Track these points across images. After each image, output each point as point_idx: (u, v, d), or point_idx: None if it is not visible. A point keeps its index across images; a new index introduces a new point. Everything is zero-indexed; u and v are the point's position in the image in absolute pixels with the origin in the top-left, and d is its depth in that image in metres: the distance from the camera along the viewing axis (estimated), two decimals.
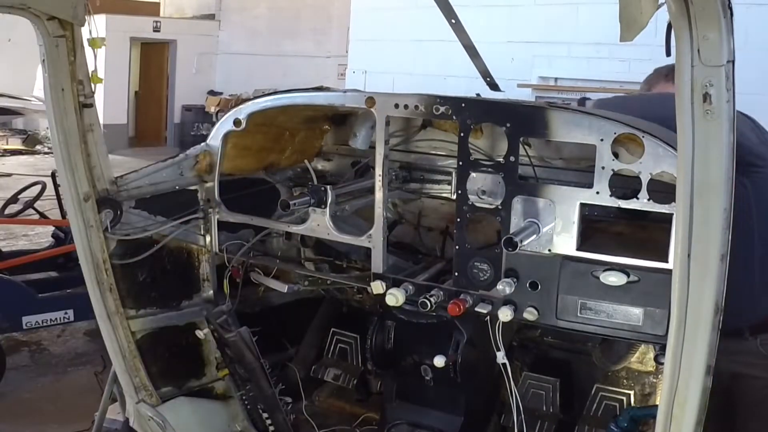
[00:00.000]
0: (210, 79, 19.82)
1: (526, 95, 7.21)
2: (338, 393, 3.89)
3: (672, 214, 2.35)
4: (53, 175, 6.43)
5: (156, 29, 19.14)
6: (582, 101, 3.58)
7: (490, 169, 2.82)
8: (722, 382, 2.64)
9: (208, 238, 3.54)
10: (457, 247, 2.92)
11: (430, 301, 2.84)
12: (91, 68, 3.09)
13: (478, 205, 2.84)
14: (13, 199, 7.58)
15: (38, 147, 17.81)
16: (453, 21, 3.36)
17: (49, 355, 6.68)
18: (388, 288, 2.99)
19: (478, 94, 3.29)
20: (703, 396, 2.19)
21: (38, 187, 7.34)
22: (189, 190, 3.49)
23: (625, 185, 2.64)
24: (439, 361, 3.03)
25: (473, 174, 2.83)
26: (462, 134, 2.82)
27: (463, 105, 2.79)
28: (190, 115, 19.15)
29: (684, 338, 2.17)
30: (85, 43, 3.06)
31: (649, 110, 2.88)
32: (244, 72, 17.20)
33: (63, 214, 6.70)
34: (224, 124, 3.43)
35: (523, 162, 2.78)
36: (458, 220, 2.90)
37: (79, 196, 3.15)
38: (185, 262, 3.56)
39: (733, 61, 1.94)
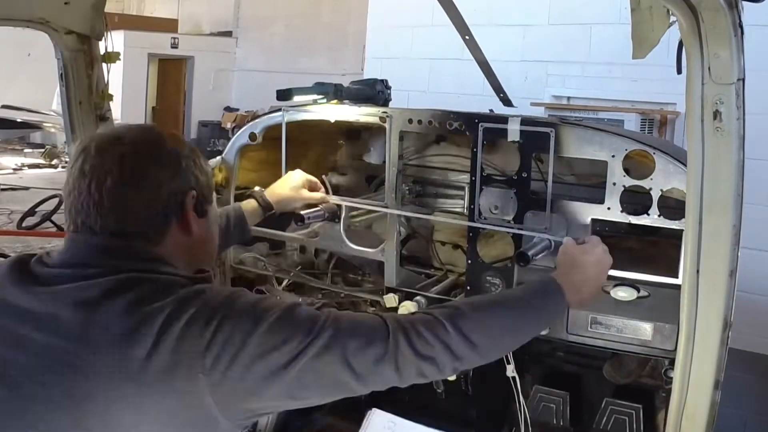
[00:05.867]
0: (226, 96, 19.93)
1: (539, 113, 7.22)
2: (351, 405, 3.89)
3: (682, 230, 2.37)
4: None
5: (174, 46, 19.29)
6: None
7: (502, 185, 2.85)
8: None
9: (222, 252, 3.57)
10: (469, 261, 2.95)
11: None
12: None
13: (490, 220, 2.87)
14: (31, 212, 7.68)
15: (56, 161, 17.94)
16: (467, 37, 3.40)
17: None
18: (401, 301, 3.02)
19: (491, 110, 3.32)
20: (711, 410, 2.20)
21: (55, 201, 7.43)
22: None
23: (635, 201, 2.66)
24: None
25: (486, 189, 2.86)
26: (475, 149, 2.86)
27: (476, 120, 2.83)
28: (206, 130, 19.22)
29: (693, 353, 2.19)
30: None
31: None
32: (261, 88, 17.24)
33: None
34: (240, 138, 3.48)
35: (536, 178, 2.81)
36: (470, 234, 2.93)
37: None
38: None
39: (744, 79, 1.96)
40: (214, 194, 1.80)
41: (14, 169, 17.29)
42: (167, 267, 1.59)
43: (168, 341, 1.43)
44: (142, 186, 1.57)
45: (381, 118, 3.04)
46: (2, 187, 14.04)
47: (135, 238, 1.57)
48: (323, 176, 3.42)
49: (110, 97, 3.17)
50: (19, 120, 15.98)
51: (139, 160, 1.58)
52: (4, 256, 6.74)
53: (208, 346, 1.45)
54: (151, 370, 1.42)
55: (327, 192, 3.28)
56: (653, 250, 2.88)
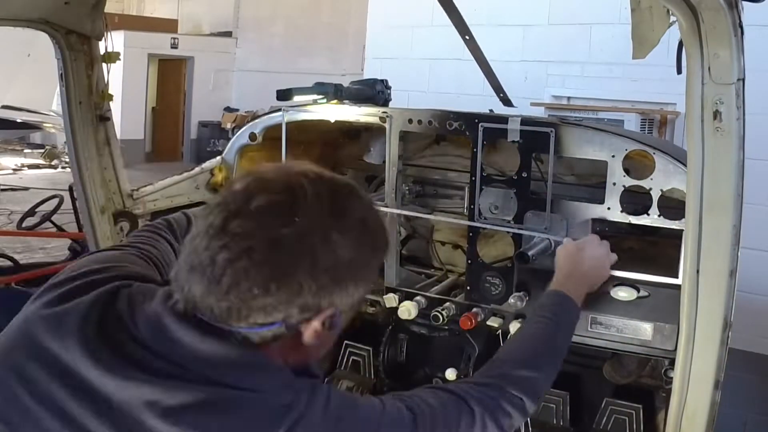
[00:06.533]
0: (226, 96, 19.94)
1: (539, 114, 7.22)
2: None
3: (682, 230, 2.37)
4: (71, 189, 6.51)
5: (174, 46, 19.29)
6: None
7: (502, 185, 2.85)
8: None
9: None
10: (469, 261, 2.95)
11: (442, 315, 2.87)
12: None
13: (490, 220, 2.87)
14: (31, 213, 7.67)
15: (56, 161, 17.95)
16: (467, 37, 3.40)
17: None
18: (401, 301, 3.02)
19: (491, 110, 3.32)
20: (711, 410, 2.21)
21: (55, 201, 7.42)
22: (204, 204, 3.52)
23: (635, 201, 2.66)
24: (450, 374, 3.04)
25: (486, 189, 2.86)
26: (474, 149, 2.86)
27: (476, 120, 2.83)
28: (206, 131, 19.24)
29: (693, 353, 2.19)
30: None
31: None
32: (260, 89, 17.26)
33: (80, 228, 6.76)
34: (240, 138, 3.48)
35: (535, 177, 2.81)
36: (470, 234, 2.93)
37: (96, 209, 3.19)
38: None
39: (744, 79, 1.96)
40: None
41: (14, 170, 17.31)
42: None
43: None
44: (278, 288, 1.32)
45: (381, 118, 3.04)
46: (2, 187, 14.04)
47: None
48: None
49: (110, 97, 3.17)
50: (19, 120, 15.98)
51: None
52: (4, 256, 6.75)
53: None
54: None
55: None
56: (653, 250, 2.88)
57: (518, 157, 2.80)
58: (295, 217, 1.27)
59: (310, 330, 1.34)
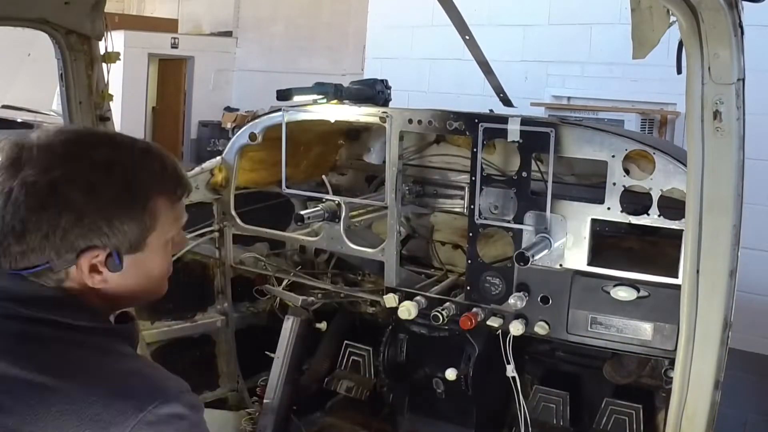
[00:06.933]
0: (227, 96, 19.91)
1: (539, 114, 7.21)
2: (351, 405, 3.91)
3: (682, 230, 2.37)
4: None
5: (174, 46, 19.26)
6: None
7: (502, 185, 2.85)
8: None
9: (223, 251, 3.58)
10: (469, 261, 2.95)
11: (442, 315, 2.87)
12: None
13: (490, 220, 2.88)
14: None
15: None
16: (467, 37, 3.40)
17: None
18: (401, 301, 3.02)
19: (491, 110, 3.32)
20: (711, 410, 2.20)
21: None
22: (204, 204, 3.53)
23: (635, 201, 2.66)
24: (450, 374, 3.04)
25: (486, 189, 2.87)
26: (474, 149, 2.86)
27: (476, 120, 2.83)
28: (206, 131, 19.20)
29: (693, 353, 2.19)
30: None
31: None
32: (261, 89, 17.22)
33: None
34: (239, 139, 3.48)
35: (535, 177, 2.81)
36: (470, 234, 2.93)
37: None
38: (200, 275, 3.60)
39: (744, 79, 1.96)
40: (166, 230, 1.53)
41: None
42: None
43: None
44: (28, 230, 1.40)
45: (381, 118, 3.04)
46: None
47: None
48: (323, 176, 3.42)
49: (110, 97, 3.16)
50: (19, 120, 15.96)
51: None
52: None
53: None
54: None
55: (327, 192, 3.28)
56: (653, 250, 2.88)
57: (518, 157, 2.80)
58: (20, 170, 1.35)
59: (85, 271, 1.39)
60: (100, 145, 1.44)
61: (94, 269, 1.40)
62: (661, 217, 2.60)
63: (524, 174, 2.78)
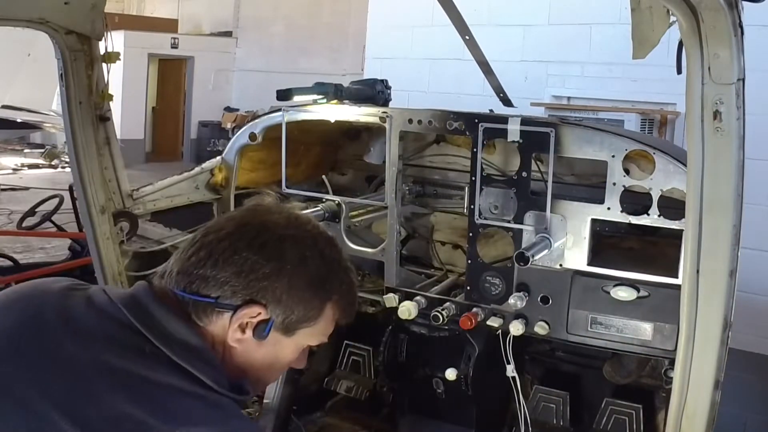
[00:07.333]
0: (226, 96, 19.94)
1: (539, 114, 7.21)
2: (351, 405, 3.91)
3: (682, 230, 2.37)
4: (71, 189, 6.51)
5: (174, 46, 19.29)
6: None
7: (502, 185, 2.85)
8: None
9: None
10: (469, 261, 2.95)
11: (442, 315, 2.87)
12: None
13: (490, 220, 2.87)
14: (31, 213, 7.68)
15: (56, 161, 17.94)
16: (467, 37, 3.40)
17: None
18: (401, 301, 3.02)
19: (491, 110, 3.32)
20: (711, 410, 2.21)
21: (56, 201, 7.43)
22: (204, 204, 3.53)
23: (635, 201, 2.66)
24: (450, 374, 3.04)
25: (486, 189, 2.86)
26: (474, 149, 2.86)
27: (476, 120, 2.83)
28: (206, 131, 19.24)
29: (693, 353, 2.19)
30: None
31: None
32: (261, 88, 17.25)
33: (80, 228, 6.77)
34: (239, 139, 3.48)
35: (535, 177, 2.81)
36: (470, 234, 2.93)
37: (96, 208, 3.19)
38: None
39: (744, 79, 1.96)
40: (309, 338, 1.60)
41: (14, 170, 17.30)
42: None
43: None
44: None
45: (381, 118, 3.04)
46: (2, 187, 14.04)
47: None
48: (323, 176, 3.42)
49: (110, 97, 3.16)
50: (19, 120, 15.97)
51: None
52: (4, 256, 6.76)
53: None
54: None
55: (327, 192, 3.28)
56: (653, 250, 2.88)
57: (518, 157, 2.80)
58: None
59: (235, 324, 1.47)
60: (323, 239, 1.59)
61: (242, 327, 1.48)
62: (661, 217, 2.60)
63: (524, 174, 2.78)
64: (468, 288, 2.95)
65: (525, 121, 2.77)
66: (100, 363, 1.36)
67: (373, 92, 3.40)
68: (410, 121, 2.99)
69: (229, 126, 17.47)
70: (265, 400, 3.53)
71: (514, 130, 2.76)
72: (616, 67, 7.39)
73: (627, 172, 2.64)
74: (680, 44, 2.03)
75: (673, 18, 2.03)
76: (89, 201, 3.17)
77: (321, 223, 3.24)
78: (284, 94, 3.24)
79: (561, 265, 2.76)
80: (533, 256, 2.63)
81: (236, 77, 20.06)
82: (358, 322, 3.89)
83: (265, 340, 1.50)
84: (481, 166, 2.87)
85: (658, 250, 2.86)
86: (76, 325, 1.42)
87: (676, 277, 2.48)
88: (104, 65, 3.10)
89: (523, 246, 2.77)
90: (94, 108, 3.10)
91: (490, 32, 6.35)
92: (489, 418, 3.39)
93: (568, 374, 3.47)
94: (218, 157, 3.57)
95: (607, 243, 2.92)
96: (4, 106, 15.55)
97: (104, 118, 3.15)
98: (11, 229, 9.50)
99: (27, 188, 14.53)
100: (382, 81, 3.43)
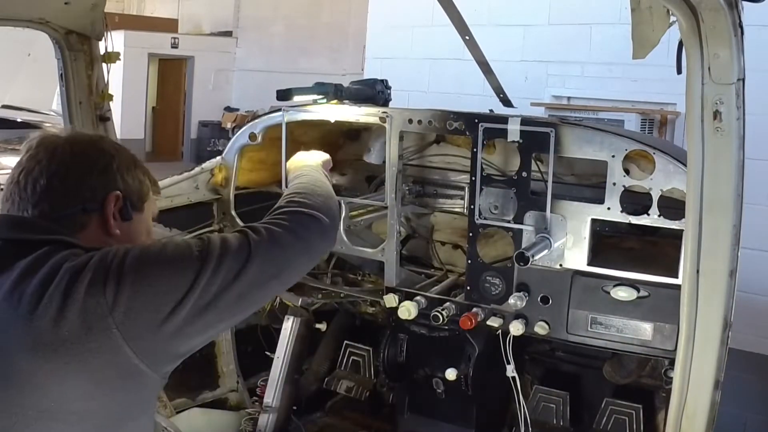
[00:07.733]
0: (227, 96, 19.91)
1: (539, 114, 7.21)
2: (351, 405, 3.91)
3: (682, 230, 2.37)
4: None
5: (174, 46, 19.26)
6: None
7: (502, 185, 2.85)
8: None
9: None
10: (469, 261, 2.95)
11: (442, 315, 2.87)
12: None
13: (490, 220, 2.87)
14: None
15: None
16: (467, 37, 3.40)
17: None
18: (400, 301, 3.02)
19: (491, 110, 3.32)
20: (711, 410, 2.20)
21: None
22: (204, 203, 3.53)
23: (635, 201, 2.66)
24: (450, 374, 3.05)
25: (486, 189, 2.86)
26: (474, 149, 2.86)
27: (476, 120, 2.83)
28: (206, 130, 19.21)
29: (693, 353, 2.19)
30: None
31: None
32: (261, 88, 17.22)
33: None
34: (240, 138, 3.48)
35: (535, 177, 2.81)
36: (470, 234, 2.93)
37: None
38: None
39: (744, 79, 1.96)
40: (151, 207, 1.79)
41: None
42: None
43: (73, 305, 1.44)
44: (65, 178, 1.63)
45: (381, 118, 3.04)
46: (2, 187, 14.00)
47: (56, 224, 1.61)
48: None
49: (110, 97, 3.17)
50: (19, 120, 15.95)
51: (67, 155, 1.65)
52: None
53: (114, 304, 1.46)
54: (62, 335, 1.42)
55: None
56: (653, 250, 2.88)
57: (518, 157, 2.80)
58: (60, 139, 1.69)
59: (106, 220, 1.66)
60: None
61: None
62: (661, 217, 2.60)
63: (524, 174, 2.78)
64: (468, 288, 2.95)
65: (525, 121, 2.77)
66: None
67: (373, 92, 3.39)
68: (410, 121, 2.99)
69: (229, 126, 17.44)
70: (265, 400, 3.53)
71: (514, 130, 2.76)
72: (616, 67, 7.37)
73: (627, 172, 2.65)
74: (680, 44, 2.03)
75: (673, 18, 2.03)
76: None
77: None
78: (284, 94, 3.24)
79: (561, 265, 2.77)
80: (533, 256, 2.63)
81: (236, 77, 20.03)
82: (359, 322, 3.93)
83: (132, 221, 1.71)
84: (481, 166, 2.87)
85: (658, 250, 2.86)
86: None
87: (676, 277, 2.48)
88: (104, 65, 3.10)
89: (523, 246, 2.77)
90: (94, 108, 3.11)
91: (490, 32, 6.35)
92: (489, 418, 3.39)
93: (568, 374, 3.47)
94: (218, 157, 3.57)
95: (607, 243, 2.92)
96: (4, 106, 15.53)
97: (104, 118, 3.15)
98: None
99: None
100: (382, 81, 3.43)
